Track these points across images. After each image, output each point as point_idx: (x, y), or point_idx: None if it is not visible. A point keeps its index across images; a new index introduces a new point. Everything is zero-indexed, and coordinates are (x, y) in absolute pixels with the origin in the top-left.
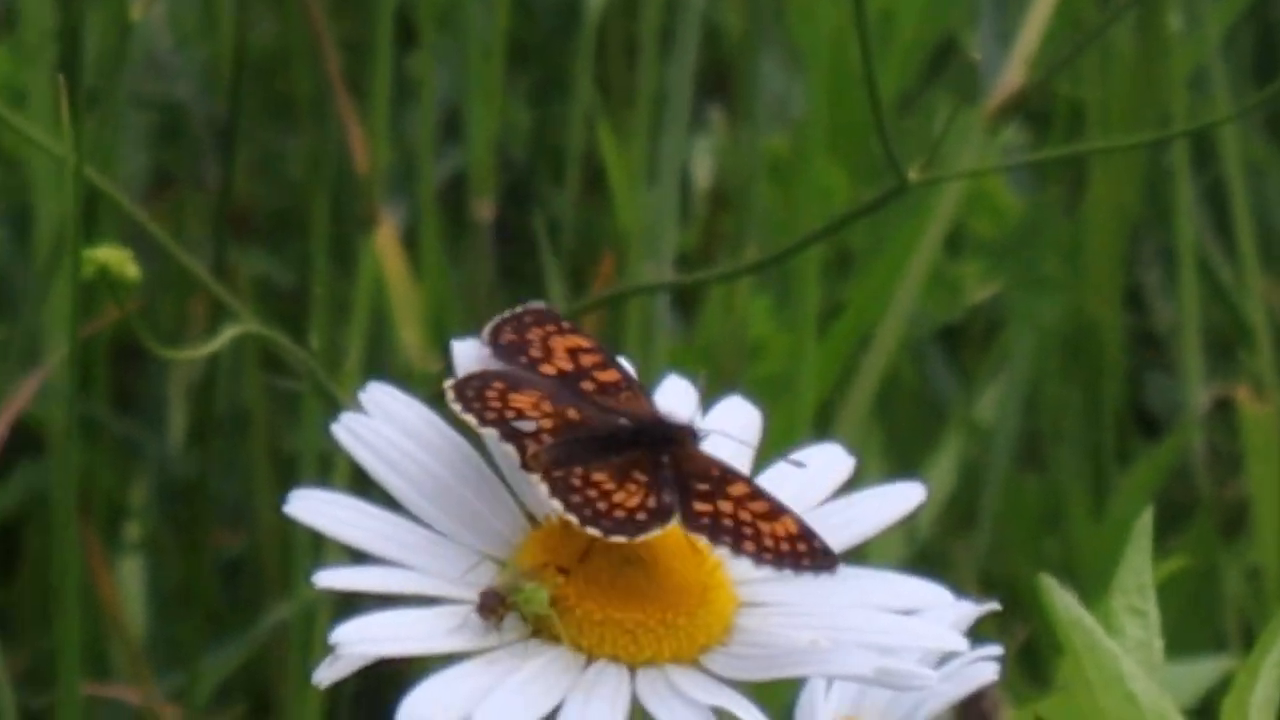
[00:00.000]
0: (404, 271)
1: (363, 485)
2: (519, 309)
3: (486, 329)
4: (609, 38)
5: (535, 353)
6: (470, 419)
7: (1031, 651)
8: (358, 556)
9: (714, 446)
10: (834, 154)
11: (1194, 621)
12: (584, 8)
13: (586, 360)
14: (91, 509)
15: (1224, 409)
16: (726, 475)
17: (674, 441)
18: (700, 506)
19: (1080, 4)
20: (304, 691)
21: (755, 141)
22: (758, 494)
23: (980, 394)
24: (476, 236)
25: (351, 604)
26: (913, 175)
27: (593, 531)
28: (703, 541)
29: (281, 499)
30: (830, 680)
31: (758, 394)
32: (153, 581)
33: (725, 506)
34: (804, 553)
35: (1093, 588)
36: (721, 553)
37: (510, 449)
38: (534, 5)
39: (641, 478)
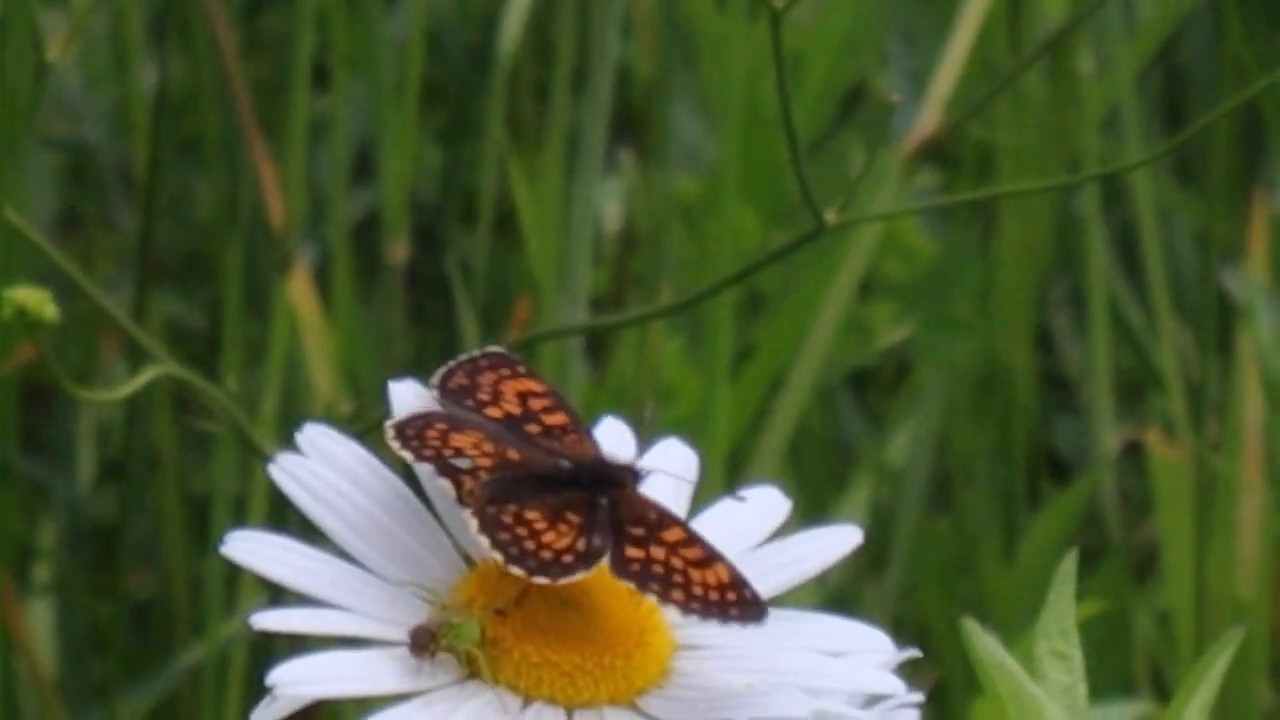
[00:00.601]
0: (318, 316)
1: (279, 528)
2: (476, 353)
3: (439, 373)
4: (520, 79)
5: (484, 396)
6: (407, 455)
7: (943, 695)
8: (275, 598)
9: (652, 488)
10: (746, 197)
11: (1104, 666)
12: (496, 49)
13: (536, 404)
14: (1, 550)
15: (1134, 452)
16: (663, 519)
17: (613, 483)
18: (632, 552)
19: (992, 47)
20: None
21: (667, 184)
22: (692, 540)
23: (890, 437)
24: (389, 278)
25: (268, 647)
26: (830, 217)
27: (516, 571)
28: (631, 588)
29: (192, 541)
30: None
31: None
32: (61, 624)
33: (657, 552)
34: (733, 602)
35: (1004, 631)
36: (651, 600)
37: (446, 484)
38: (445, 46)
39: (575, 519)
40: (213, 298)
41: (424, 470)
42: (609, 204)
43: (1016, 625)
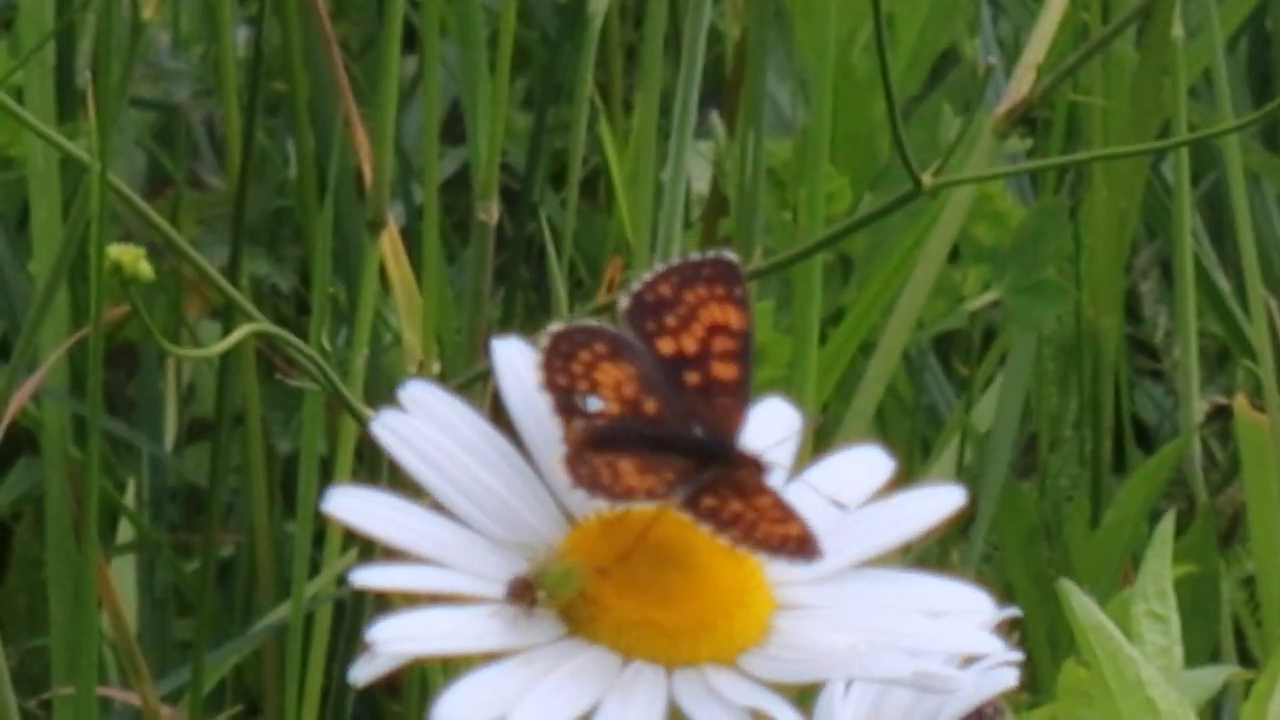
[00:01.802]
0: (409, 276)
1: (366, 486)
2: (708, 256)
3: (648, 276)
4: (611, 42)
5: (672, 320)
6: (539, 375)
7: (1026, 658)
8: (365, 557)
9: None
10: (836, 160)
11: (1190, 630)
12: (586, 11)
13: (718, 345)
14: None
15: (1220, 418)
16: (760, 490)
17: (733, 465)
18: (709, 501)
19: (1083, 12)
20: (301, 694)
21: (758, 147)
22: (781, 505)
23: (977, 401)
24: (480, 239)
25: (354, 606)
26: (926, 180)
27: (581, 490)
28: (693, 522)
29: (277, 500)
30: (849, 681)
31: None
32: (146, 582)
33: (736, 505)
34: (789, 542)
35: (1089, 595)
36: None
37: (557, 421)
38: (535, 8)
39: (669, 475)
40: (301, 257)
41: (536, 409)
42: (699, 167)
43: (1101, 590)
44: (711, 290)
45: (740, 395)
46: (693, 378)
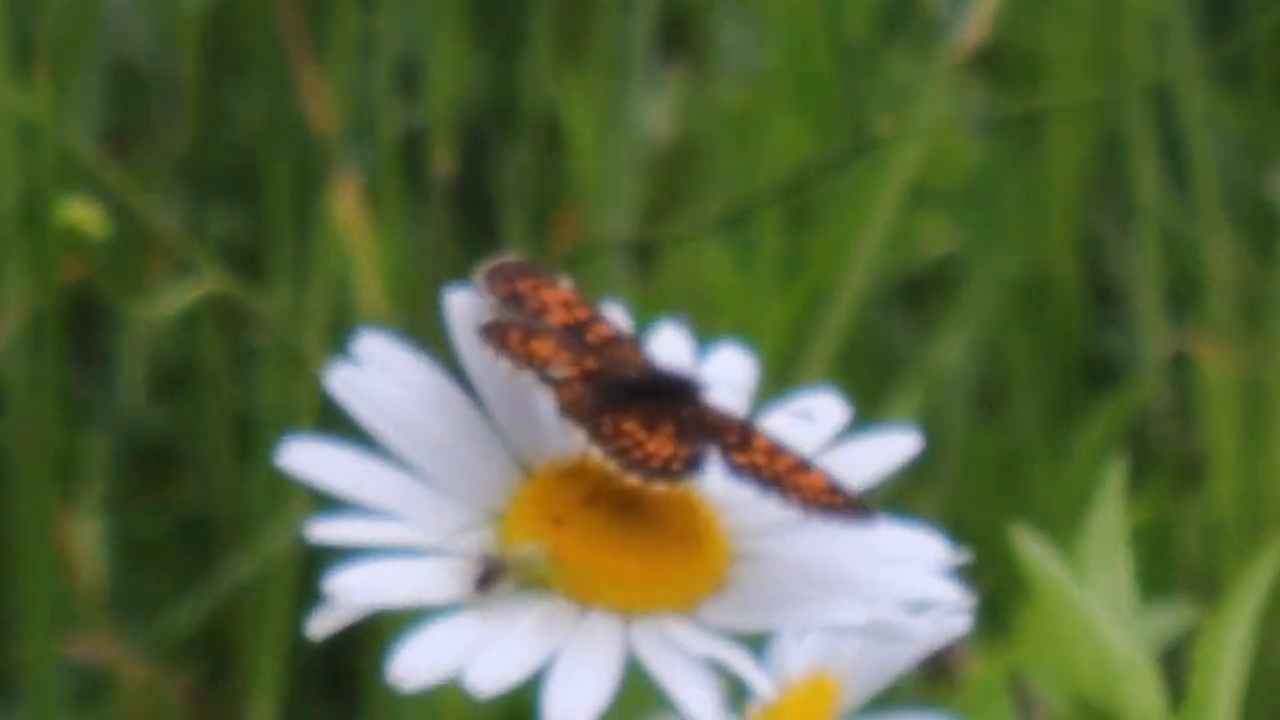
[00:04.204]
0: (365, 229)
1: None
2: (497, 261)
3: (481, 280)
4: None
5: (534, 305)
6: (506, 362)
7: (993, 602)
8: (320, 511)
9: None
10: (795, 108)
11: (1151, 573)
12: None
13: (580, 314)
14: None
15: (1181, 362)
16: (747, 430)
17: (683, 394)
18: (739, 458)
19: None
20: (265, 648)
21: (715, 96)
22: (780, 448)
23: (938, 346)
24: (436, 191)
25: (315, 561)
26: (883, 129)
27: (634, 478)
28: (752, 491)
29: (239, 456)
30: (800, 631)
31: (718, 347)
32: (110, 539)
33: (759, 459)
34: (841, 505)
35: (1052, 538)
36: (757, 502)
37: (550, 392)
38: None
39: (667, 428)
40: (256, 212)
41: (498, 374)
42: (657, 116)
43: (1064, 532)
44: (531, 282)
45: (629, 340)
46: (591, 338)
